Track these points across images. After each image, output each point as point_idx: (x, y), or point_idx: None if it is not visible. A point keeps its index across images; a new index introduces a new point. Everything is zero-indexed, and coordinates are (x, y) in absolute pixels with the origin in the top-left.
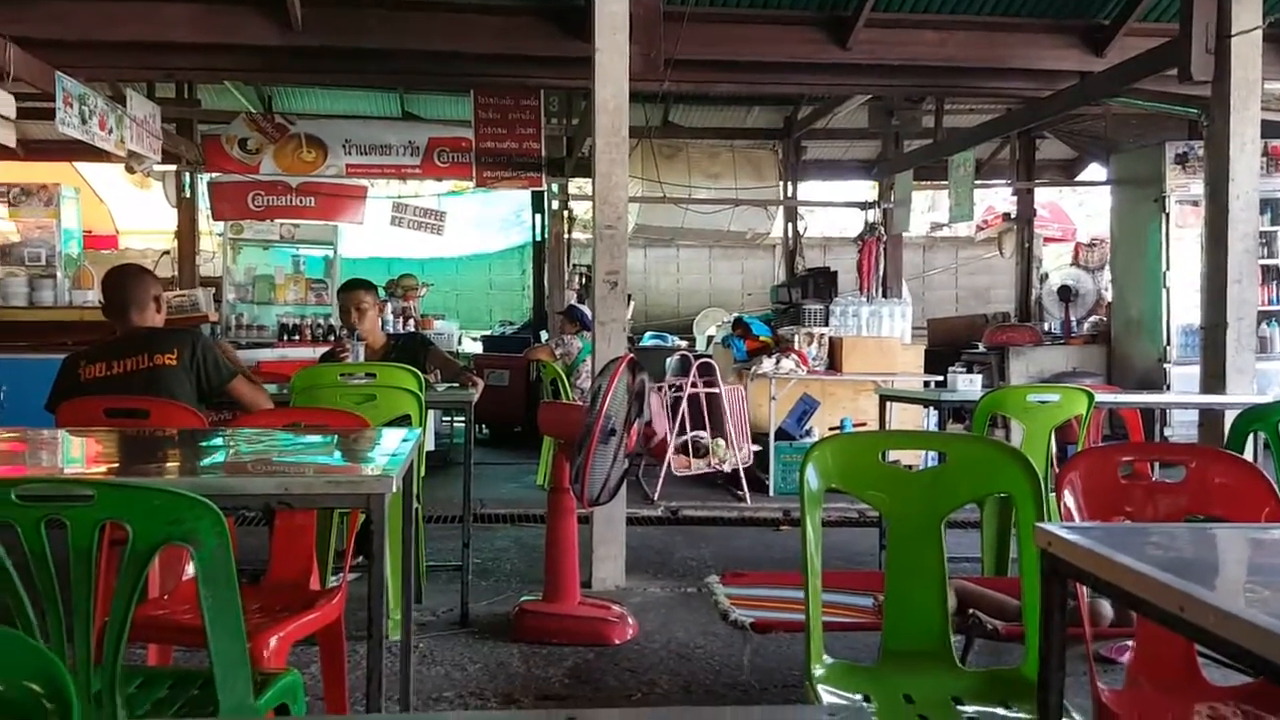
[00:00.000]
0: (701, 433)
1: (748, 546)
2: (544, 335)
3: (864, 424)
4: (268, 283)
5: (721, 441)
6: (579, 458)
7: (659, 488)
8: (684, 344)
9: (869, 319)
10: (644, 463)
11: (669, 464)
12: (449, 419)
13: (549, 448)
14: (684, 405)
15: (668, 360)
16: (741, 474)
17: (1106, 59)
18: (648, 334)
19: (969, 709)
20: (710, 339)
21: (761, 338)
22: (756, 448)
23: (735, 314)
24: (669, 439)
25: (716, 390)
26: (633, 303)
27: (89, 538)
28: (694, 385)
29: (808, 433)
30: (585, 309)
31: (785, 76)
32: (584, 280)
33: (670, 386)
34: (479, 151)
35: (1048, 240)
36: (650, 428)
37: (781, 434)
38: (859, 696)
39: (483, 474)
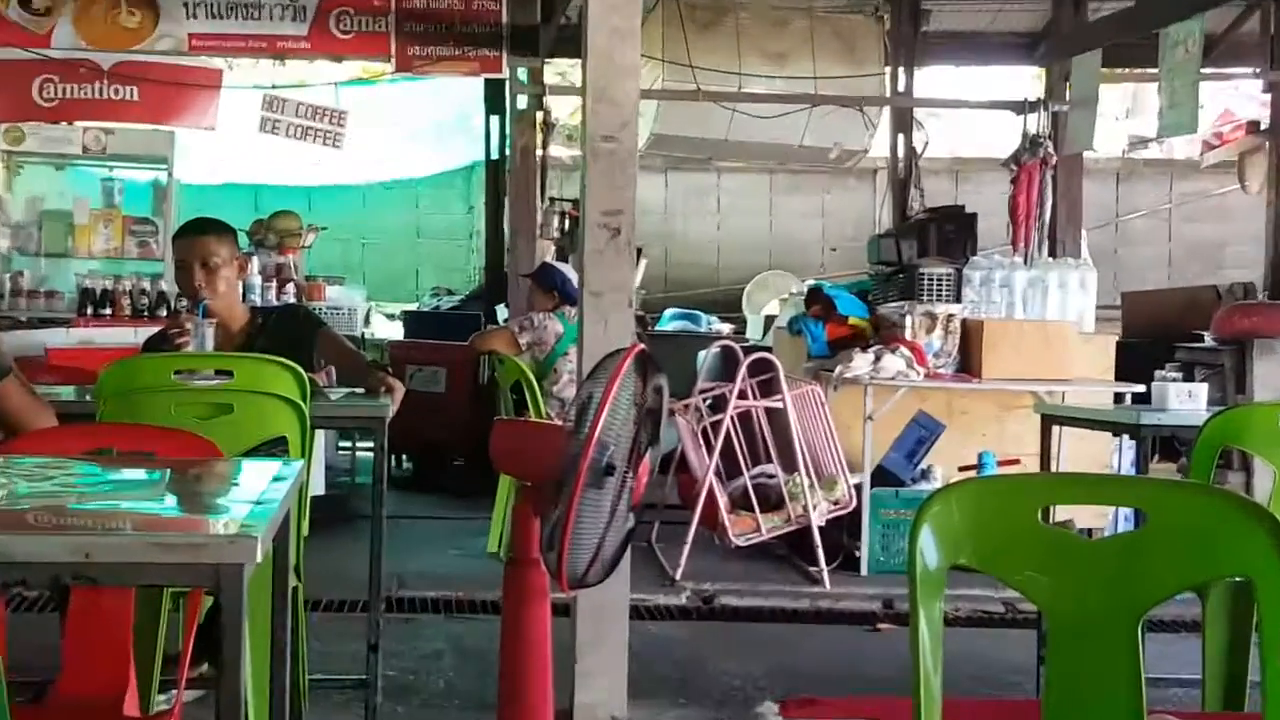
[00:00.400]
0: (768, 469)
1: (823, 656)
2: (502, 313)
3: (1015, 462)
4: (62, 223)
5: (803, 479)
6: (556, 511)
7: (683, 560)
8: (727, 329)
9: (1027, 292)
10: (659, 521)
11: (710, 523)
12: (349, 445)
13: (507, 493)
14: (725, 428)
15: (701, 355)
16: (816, 538)
17: None
18: (669, 312)
19: None
20: (770, 321)
21: (852, 320)
22: (855, 479)
23: (810, 281)
24: (718, 487)
25: (780, 403)
26: (645, 261)
27: None
28: (743, 396)
29: (924, 475)
30: (568, 271)
31: None
32: (567, 224)
33: (704, 399)
34: (401, 14)
35: None
36: (686, 473)
37: (882, 476)
38: None
39: (403, 534)
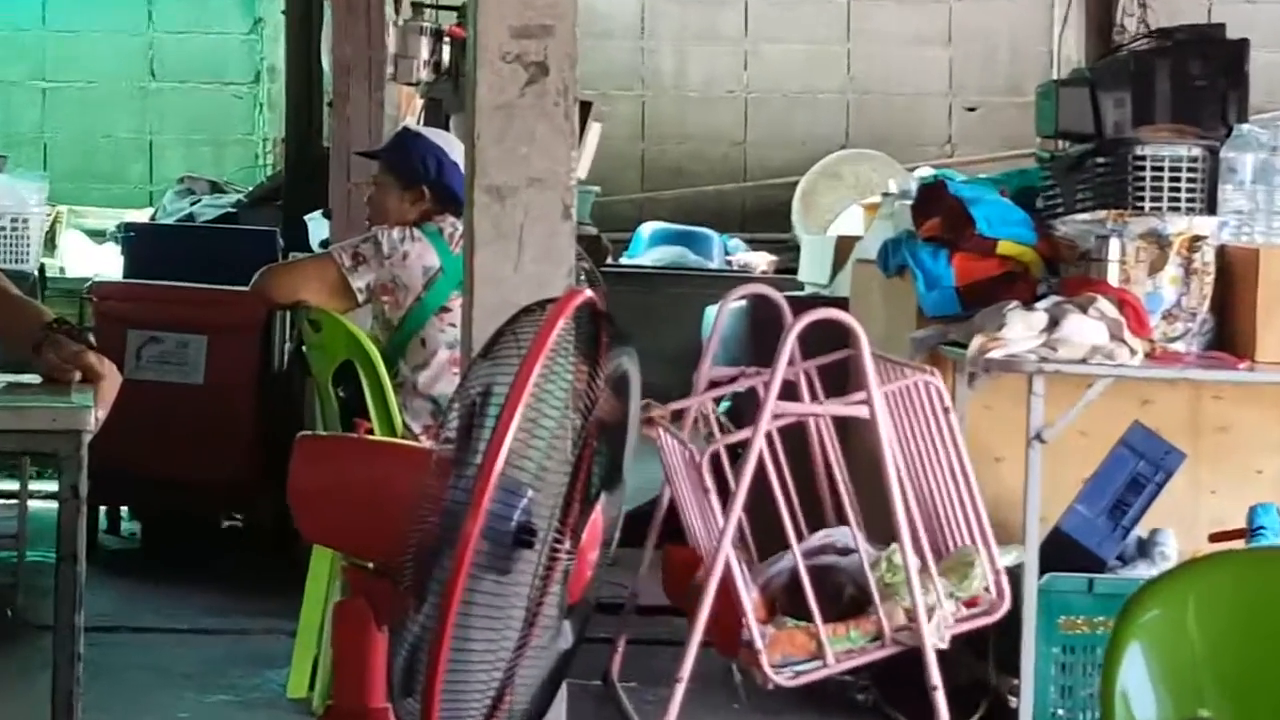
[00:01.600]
0: (838, 536)
1: None
2: (318, 230)
3: None
4: None
5: (907, 557)
6: (420, 617)
7: (671, 716)
8: (760, 263)
9: None
10: (624, 636)
11: (725, 641)
12: (12, 489)
13: (327, 584)
14: (756, 454)
15: (710, 312)
16: (932, 672)
17: None
18: (649, 230)
19: None
20: (844, 248)
21: (1004, 246)
22: (1010, 557)
23: (923, 170)
24: (741, 571)
25: (860, 409)
26: (598, 127)
27: None
28: (790, 392)
29: (1142, 548)
30: (449, 146)
31: None
32: (445, 55)
33: (716, 400)
34: None
35: None
36: (678, 542)
37: (1062, 550)
38: None
39: (124, 662)
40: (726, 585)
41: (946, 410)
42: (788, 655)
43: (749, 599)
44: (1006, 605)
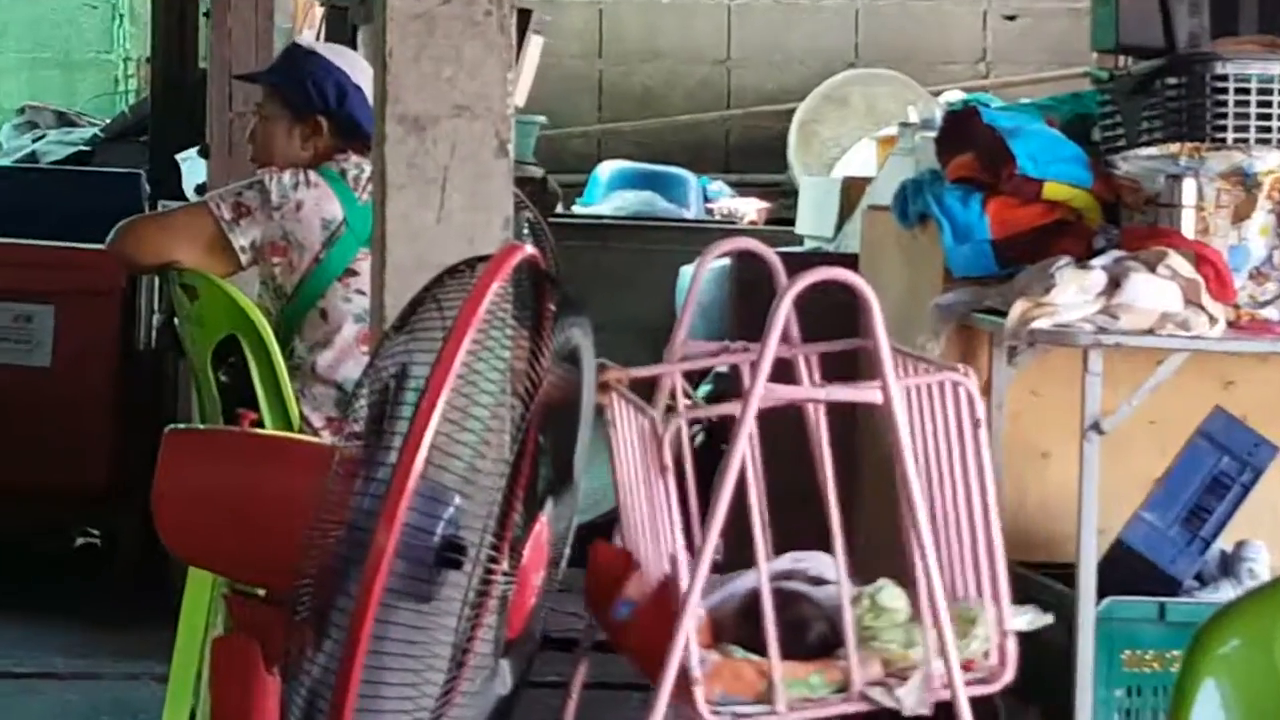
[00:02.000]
0: (813, 561)
1: None
2: (194, 173)
3: None
4: None
5: (899, 598)
6: (321, 656)
7: None
8: (747, 211)
9: None
10: (582, 672)
11: (649, 663)
12: None
13: (207, 613)
14: (740, 455)
15: (684, 272)
16: (961, 704)
17: None
18: (608, 170)
19: None
20: (854, 189)
21: (1051, 189)
22: (1026, 615)
23: (950, 94)
24: (684, 566)
25: (875, 396)
26: (539, 40)
27: None
28: (784, 374)
29: (1226, 564)
30: (352, 67)
31: None
32: None
33: (689, 380)
34: None
35: None
36: (607, 539)
37: (1126, 567)
38: None
39: None
40: (665, 595)
41: (976, 424)
42: (729, 694)
43: (696, 612)
44: (1008, 677)
